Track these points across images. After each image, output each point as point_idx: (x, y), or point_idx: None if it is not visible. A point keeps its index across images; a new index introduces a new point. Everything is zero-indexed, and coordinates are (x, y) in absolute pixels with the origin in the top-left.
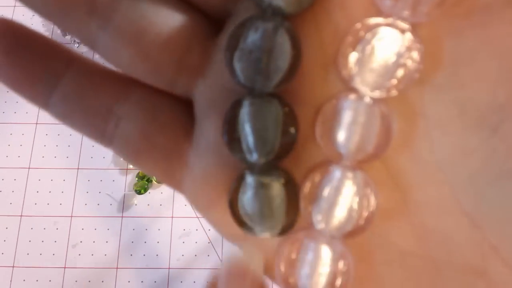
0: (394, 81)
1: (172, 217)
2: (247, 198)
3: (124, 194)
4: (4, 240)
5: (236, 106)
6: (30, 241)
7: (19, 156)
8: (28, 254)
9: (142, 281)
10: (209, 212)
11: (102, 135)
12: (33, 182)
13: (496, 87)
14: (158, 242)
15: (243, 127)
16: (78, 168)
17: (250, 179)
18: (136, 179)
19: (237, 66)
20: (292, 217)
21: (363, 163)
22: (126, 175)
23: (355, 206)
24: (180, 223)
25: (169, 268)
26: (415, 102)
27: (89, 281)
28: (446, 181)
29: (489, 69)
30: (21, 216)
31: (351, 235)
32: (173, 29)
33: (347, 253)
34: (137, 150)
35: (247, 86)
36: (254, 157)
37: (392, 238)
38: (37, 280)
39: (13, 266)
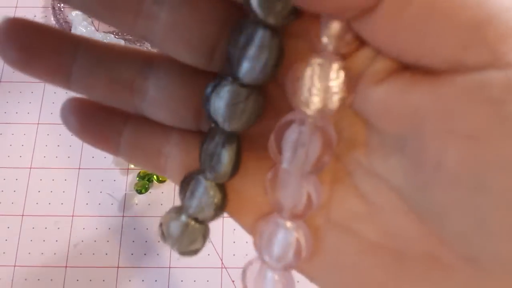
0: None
1: None
2: (173, 225)
3: (125, 193)
4: (6, 240)
5: (188, 181)
6: (31, 240)
7: (20, 156)
8: (29, 253)
9: (143, 280)
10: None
11: (158, 169)
12: (35, 182)
13: (390, 124)
14: (158, 241)
15: (187, 197)
16: (79, 168)
17: (183, 217)
18: (137, 178)
19: (202, 156)
20: (185, 247)
21: (297, 216)
22: (127, 175)
23: (286, 248)
24: None
25: (169, 267)
26: (362, 133)
27: (90, 280)
28: (393, 189)
29: (380, 112)
30: (22, 215)
31: (287, 268)
32: (189, 88)
33: (285, 278)
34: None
35: (202, 170)
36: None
37: (362, 233)
38: (38, 279)
39: (14, 266)
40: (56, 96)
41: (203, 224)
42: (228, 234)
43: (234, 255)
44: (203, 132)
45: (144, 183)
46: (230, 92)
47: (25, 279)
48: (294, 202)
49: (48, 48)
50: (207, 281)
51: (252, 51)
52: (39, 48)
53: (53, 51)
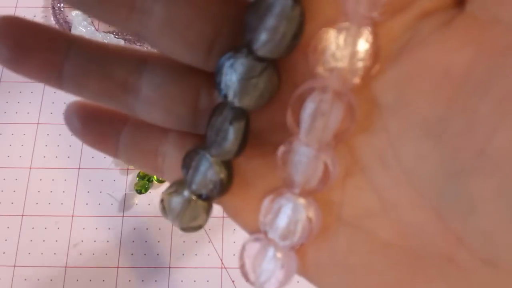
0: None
1: None
2: (175, 200)
3: (125, 193)
4: (6, 240)
5: (192, 155)
6: (31, 240)
7: (20, 156)
8: (29, 253)
9: (142, 280)
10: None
11: (156, 169)
12: (35, 182)
13: (434, 103)
14: (158, 241)
15: (191, 172)
16: (79, 168)
17: (186, 193)
18: (137, 178)
19: (208, 132)
20: (187, 223)
21: (309, 193)
22: (127, 175)
23: (295, 225)
24: None
25: (169, 267)
26: (377, 119)
27: (90, 280)
28: (411, 183)
29: (425, 88)
30: (22, 215)
31: (293, 247)
32: (185, 86)
33: (287, 258)
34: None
35: (207, 145)
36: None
37: (375, 231)
38: (38, 279)
39: (14, 266)
40: (56, 96)
41: (207, 201)
42: (228, 234)
43: (234, 255)
44: (200, 134)
45: (144, 183)
46: (244, 65)
47: (25, 279)
48: (307, 177)
49: (40, 46)
50: (207, 281)
51: (270, 21)
52: (30, 47)
53: (45, 50)
